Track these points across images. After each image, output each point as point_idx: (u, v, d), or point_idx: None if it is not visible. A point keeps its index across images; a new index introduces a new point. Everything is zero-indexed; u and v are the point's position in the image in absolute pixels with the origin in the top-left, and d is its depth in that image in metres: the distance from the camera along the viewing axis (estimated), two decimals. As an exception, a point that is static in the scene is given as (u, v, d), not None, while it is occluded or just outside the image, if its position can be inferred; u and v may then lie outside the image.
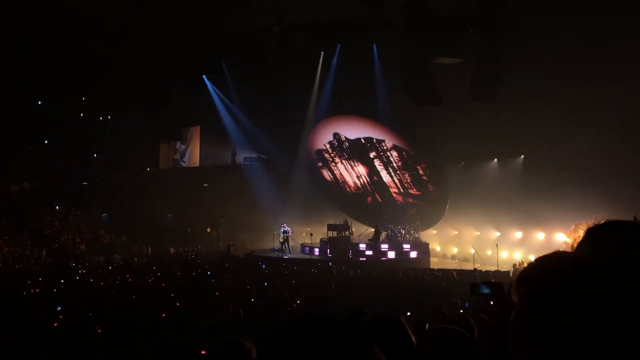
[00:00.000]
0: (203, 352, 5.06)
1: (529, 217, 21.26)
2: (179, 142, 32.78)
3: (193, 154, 33.15)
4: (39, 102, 29.97)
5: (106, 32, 24.07)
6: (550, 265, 1.07)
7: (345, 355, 0.87)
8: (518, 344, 1.01)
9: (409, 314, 7.77)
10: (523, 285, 1.08)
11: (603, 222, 1.69)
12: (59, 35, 24.46)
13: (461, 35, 21.01)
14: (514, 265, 17.48)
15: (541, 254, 1.13)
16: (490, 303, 2.64)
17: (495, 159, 24.47)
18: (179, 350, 5.77)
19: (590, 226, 1.72)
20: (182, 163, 33.20)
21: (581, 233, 1.74)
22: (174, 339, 6.42)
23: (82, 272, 16.79)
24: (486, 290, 2.50)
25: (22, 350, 6.84)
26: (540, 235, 21.74)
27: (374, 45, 25.68)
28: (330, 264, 18.03)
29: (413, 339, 2.52)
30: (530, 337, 0.98)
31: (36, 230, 25.22)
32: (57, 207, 28.09)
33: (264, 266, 19.22)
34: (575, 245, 1.66)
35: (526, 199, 21.03)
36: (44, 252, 23.01)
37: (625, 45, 17.65)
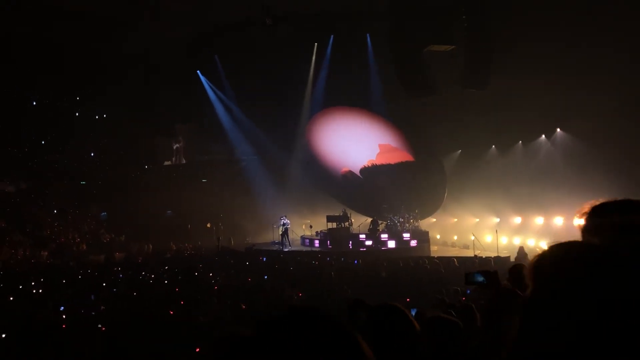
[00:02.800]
0: (197, 349, 5.08)
1: (528, 202, 21.33)
2: (175, 138, 32.78)
3: (190, 150, 33.15)
4: (34, 103, 29.86)
5: (98, 29, 23.97)
6: (567, 255, 1.07)
7: (331, 347, 0.87)
8: (532, 333, 1.00)
9: (408, 300, 7.81)
10: (539, 274, 1.08)
11: (599, 204, 1.70)
12: (52, 33, 24.36)
13: (453, 23, 20.99)
14: (521, 247, 17.25)
15: (546, 240, 1.14)
16: (485, 291, 2.65)
17: (493, 146, 24.52)
18: (178, 346, 5.80)
19: (588, 210, 1.72)
20: (179, 159, 33.20)
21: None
22: (174, 335, 6.45)
23: (82, 271, 16.78)
24: (480, 279, 2.52)
25: (26, 351, 6.87)
26: (539, 220, 21.80)
27: (367, 35, 25.61)
28: (328, 258, 18.04)
29: (417, 326, 2.52)
30: (546, 330, 0.98)
31: (35, 231, 25.21)
32: (56, 208, 28.05)
33: (264, 259, 19.25)
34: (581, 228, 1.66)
35: (524, 185, 21.10)
36: (44, 253, 23.02)
37: (621, 24, 17.62)
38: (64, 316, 9.04)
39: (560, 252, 1.08)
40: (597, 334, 0.91)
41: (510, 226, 22.80)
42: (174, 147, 33.32)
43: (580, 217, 1.74)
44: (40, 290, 12.62)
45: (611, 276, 0.96)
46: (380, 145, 27.47)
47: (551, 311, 0.97)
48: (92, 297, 11.05)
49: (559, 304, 0.97)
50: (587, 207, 1.72)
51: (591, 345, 0.91)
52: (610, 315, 0.91)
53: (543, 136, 23.51)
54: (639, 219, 1.54)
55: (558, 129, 23.06)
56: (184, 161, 33.27)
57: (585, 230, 1.66)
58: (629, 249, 1.02)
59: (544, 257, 1.10)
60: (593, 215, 1.68)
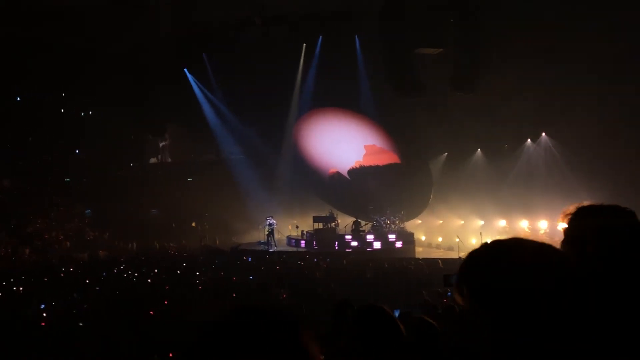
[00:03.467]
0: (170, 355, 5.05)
1: (513, 205, 21.52)
2: (162, 137, 32.59)
3: (176, 149, 32.97)
4: (18, 99, 29.48)
5: (85, 26, 23.76)
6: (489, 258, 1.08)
7: (277, 345, 0.87)
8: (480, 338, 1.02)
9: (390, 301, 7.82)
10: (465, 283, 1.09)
11: (576, 209, 1.72)
12: (37, 31, 24.10)
13: (442, 25, 21.11)
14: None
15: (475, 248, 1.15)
16: None
17: (479, 149, 24.69)
18: (164, 345, 5.77)
19: (567, 213, 1.75)
20: (165, 157, 33.03)
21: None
22: (160, 334, 6.41)
23: (65, 269, 16.62)
24: None
25: (8, 349, 6.79)
26: (524, 223, 22.00)
27: (356, 36, 25.66)
28: (315, 259, 18.02)
29: (401, 326, 2.56)
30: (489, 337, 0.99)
31: (19, 228, 24.90)
32: (40, 205, 27.71)
33: (249, 259, 19.20)
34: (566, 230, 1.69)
35: (510, 188, 21.28)
36: (27, 250, 22.75)
37: (610, 26, 17.83)
38: (44, 314, 8.94)
39: (481, 252, 1.10)
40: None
41: (495, 229, 22.96)
42: (160, 145, 33.12)
43: (563, 220, 1.77)
44: (21, 289, 12.48)
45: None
46: (366, 147, 27.52)
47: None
48: (75, 295, 10.96)
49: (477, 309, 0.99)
50: (568, 211, 1.75)
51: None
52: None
53: (529, 140, 23.74)
54: (611, 222, 1.57)
55: (543, 134, 23.30)
56: (169, 159, 33.07)
57: (565, 233, 1.69)
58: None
59: (469, 264, 1.12)
60: (572, 219, 1.71)
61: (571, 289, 0.94)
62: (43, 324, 7.81)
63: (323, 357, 0.93)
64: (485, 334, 0.99)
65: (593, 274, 0.99)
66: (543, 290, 0.94)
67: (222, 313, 0.91)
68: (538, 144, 23.52)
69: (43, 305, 9.69)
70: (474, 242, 22.12)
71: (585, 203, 1.76)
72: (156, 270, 15.63)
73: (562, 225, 1.74)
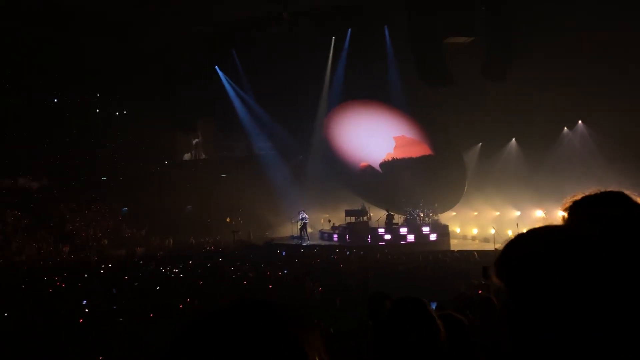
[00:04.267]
0: None
1: (549, 195, 21.06)
2: (194, 134, 33.02)
3: (209, 145, 33.33)
4: (55, 100, 30.26)
5: (116, 26, 24.18)
6: (518, 247, 1.05)
7: (270, 341, 0.83)
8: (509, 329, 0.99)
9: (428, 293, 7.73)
10: (498, 269, 1.05)
11: (579, 198, 1.67)
12: (70, 33, 24.62)
13: (472, 14, 20.73)
14: None
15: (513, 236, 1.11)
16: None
17: (514, 139, 24.23)
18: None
19: (569, 202, 1.69)
20: (198, 154, 33.44)
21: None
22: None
23: (104, 266, 17.00)
24: None
25: (50, 345, 6.97)
26: (561, 213, 21.48)
27: (385, 27, 25.42)
28: (348, 252, 17.99)
29: (440, 324, 2.48)
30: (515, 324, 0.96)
31: (58, 226, 25.58)
32: (78, 203, 28.41)
33: (283, 253, 19.30)
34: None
35: (546, 177, 20.83)
36: (66, 248, 23.35)
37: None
38: (86, 310, 9.15)
39: (515, 241, 1.07)
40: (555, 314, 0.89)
41: (531, 219, 22.50)
42: (193, 143, 33.53)
43: (563, 209, 1.73)
44: (64, 285, 12.81)
45: (564, 258, 0.93)
46: (395, 138, 27.31)
47: (516, 304, 0.95)
48: (114, 291, 11.18)
49: (519, 295, 0.95)
50: (569, 200, 1.70)
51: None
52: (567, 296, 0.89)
53: (565, 128, 23.19)
54: (621, 211, 1.51)
55: (580, 121, 22.72)
56: (203, 156, 33.46)
57: (566, 222, 1.64)
58: (592, 232, 1.00)
59: (501, 251, 1.08)
60: (574, 207, 1.65)
61: (602, 284, 0.90)
62: (81, 320, 7.98)
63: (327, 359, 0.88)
64: (511, 327, 0.95)
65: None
66: (574, 284, 0.90)
67: (216, 307, 0.89)
68: (574, 132, 22.96)
69: (85, 301, 9.93)
70: (510, 234, 21.74)
71: (586, 192, 1.70)
72: (192, 265, 15.86)
73: (562, 214, 1.69)
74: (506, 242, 1.10)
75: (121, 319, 8.33)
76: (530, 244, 1.02)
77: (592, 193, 1.68)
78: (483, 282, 7.89)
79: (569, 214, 1.66)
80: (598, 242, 0.94)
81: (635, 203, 1.56)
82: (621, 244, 0.96)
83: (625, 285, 0.87)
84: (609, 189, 1.68)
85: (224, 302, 0.89)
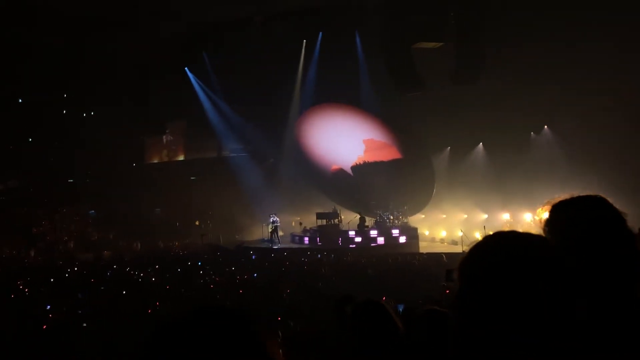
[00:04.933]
0: None
1: (516, 199, 21.49)
2: (164, 136, 32.65)
3: (178, 147, 33.01)
4: (20, 100, 29.55)
5: (84, 25, 23.77)
6: (480, 249, 1.08)
7: (233, 348, 0.85)
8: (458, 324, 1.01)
9: (382, 299, 7.81)
10: (460, 269, 1.09)
11: (557, 202, 1.72)
12: (36, 31, 24.13)
13: (442, 19, 21.00)
14: None
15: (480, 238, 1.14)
16: None
17: (481, 143, 24.66)
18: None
19: (547, 206, 1.75)
20: (168, 157, 33.08)
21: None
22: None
23: (70, 269, 16.68)
24: None
25: (14, 350, 6.82)
26: (527, 216, 21.96)
27: (356, 31, 25.60)
28: (319, 255, 18.03)
29: (398, 322, 2.58)
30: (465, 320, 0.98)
31: (23, 229, 24.99)
32: (44, 206, 27.83)
33: (254, 257, 19.23)
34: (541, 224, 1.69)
35: (513, 181, 21.25)
36: (32, 252, 22.83)
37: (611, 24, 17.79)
38: (50, 315, 8.97)
39: (478, 245, 1.10)
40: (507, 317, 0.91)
41: (499, 222, 22.92)
42: (163, 145, 33.16)
43: (539, 213, 1.77)
44: (27, 290, 12.52)
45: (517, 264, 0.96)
46: (365, 141, 27.54)
47: (469, 302, 0.98)
48: (80, 295, 10.99)
49: (473, 296, 0.98)
50: (548, 204, 1.75)
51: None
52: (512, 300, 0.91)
53: (532, 133, 23.70)
54: (595, 215, 1.57)
55: (546, 127, 23.24)
56: (172, 158, 33.10)
57: (545, 225, 1.68)
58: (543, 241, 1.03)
59: (466, 252, 1.12)
60: (553, 212, 1.70)
61: (565, 287, 0.92)
62: (45, 326, 7.82)
63: None
64: (469, 330, 0.97)
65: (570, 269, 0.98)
66: (541, 287, 0.92)
67: (180, 314, 0.90)
68: (541, 138, 23.48)
69: (49, 306, 9.72)
70: (478, 236, 22.08)
71: (563, 196, 1.75)
72: (160, 268, 15.66)
73: (543, 216, 1.74)
74: (472, 245, 1.13)
75: (85, 325, 8.20)
76: (500, 249, 1.04)
77: (571, 196, 1.73)
78: (446, 284, 8.03)
79: (549, 217, 1.70)
80: (570, 248, 0.97)
81: (612, 206, 1.62)
82: (598, 248, 0.99)
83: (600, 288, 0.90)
84: (585, 193, 1.73)
85: (187, 310, 0.91)
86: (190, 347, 0.83)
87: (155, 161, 33.30)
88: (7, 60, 24.71)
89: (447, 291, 7.53)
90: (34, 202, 27.74)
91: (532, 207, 21.28)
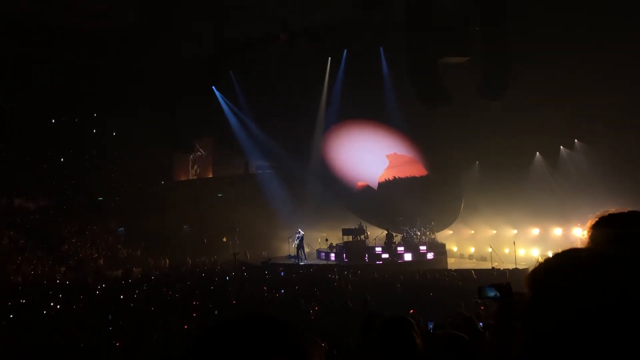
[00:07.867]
0: None
1: (546, 213, 21.12)
2: (192, 154, 33.08)
3: (206, 165, 33.39)
4: (53, 120, 30.32)
5: (115, 46, 24.37)
6: (559, 262, 1.04)
7: (276, 355, 0.85)
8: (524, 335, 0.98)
9: (410, 312, 7.71)
10: (533, 279, 1.05)
11: (600, 217, 1.67)
12: (67, 52, 24.80)
13: (467, 33, 20.93)
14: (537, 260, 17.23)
15: (559, 250, 1.10)
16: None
17: (511, 157, 24.35)
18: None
19: (592, 222, 1.70)
20: (196, 174, 33.49)
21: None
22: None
23: (100, 286, 16.89)
24: (492, 293, 2.45)
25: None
26: (557, 231, 21.55)
27: (381, 48, 25.70)
28: (346, 272, 17.91)
29: (418, 339, 2.61)
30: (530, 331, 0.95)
31: (54, 247, 25.46)
32: (75, 224, 28.34)
33: (282, 273, 19.22)
34: (587, 240, 1.64)
35: (543, 196, 20.90)
36: (63, 269, 23.21)
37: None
38: (80, 333, 9.06)
39: (554, 259, 1.06)
40: (588, 336, 0.88)
41: (528, 237, 22.53)
42: (190, 162, 33.59)
43: (587, 228, 1.72)
44: (59, 307, 12.70)
45: (603, 280, 0.93)
46: (389, 157, 27.48)
47: (544, 315, 0.95)
48: (110, 317, 11.01)
49: (550, 308, 0.95)
50: (593, 219, 1.70)
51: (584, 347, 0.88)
52: (600, 318, 0.88)
53: (562, 147, 23.34)
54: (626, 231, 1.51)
55: (576, 140, 22.87)
56: (200, 176, 33.49)
57: (591, 241, 1.63)
58: (626, 255, 0.99)
59: (540, 264, 1.08)
60: (598, 227, 1.65)
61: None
62: (76, 344, 7.90)
63: None
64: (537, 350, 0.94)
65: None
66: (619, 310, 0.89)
67: (223, 322, 0.91)
68: (571, 151, 23.12)
69: (80, 324, 9.84)
70: (507, 252, 21.74)
71: (608, 211, 1.69)
72: (188, 285, 15.75)
73: (584, 233, 1.69)
74: (549, 259, 1.09)
75: (114, 341, 8.26)
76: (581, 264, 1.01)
77: (617, 212, 1.67)
78: (480, 301, 7.88)
79: (592, 233, 1.65)
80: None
81: None
82: None
83: None
84: (629, 209, 1.67)
85: (237, 316, 0.92)
86: (237, 353, 0.84)
87: (183, 178, 33.73)
88: (37, 81, 25.44)
89: (482, 307, 7.40)
90: (64, 220, 28.27)
91: (562, 222, 20.89)
